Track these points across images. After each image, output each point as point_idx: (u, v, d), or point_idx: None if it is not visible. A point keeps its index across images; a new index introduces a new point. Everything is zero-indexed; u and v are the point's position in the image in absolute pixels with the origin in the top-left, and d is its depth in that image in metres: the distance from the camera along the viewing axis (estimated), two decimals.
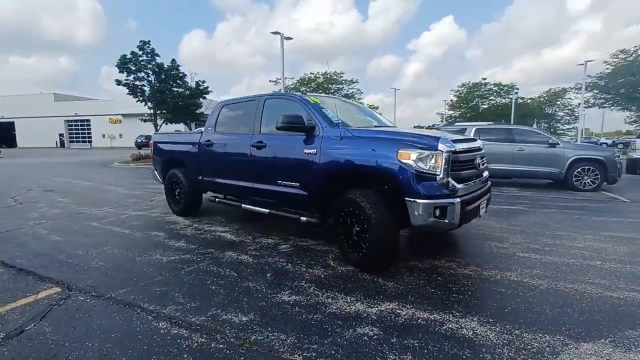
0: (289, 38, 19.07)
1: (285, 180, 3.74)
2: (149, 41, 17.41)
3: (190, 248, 3.86)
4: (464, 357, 1.93)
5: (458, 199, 2.86)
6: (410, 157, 2.82)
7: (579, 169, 7.80)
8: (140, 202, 6.71)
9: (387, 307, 2.51)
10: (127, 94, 17.83)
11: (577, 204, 6.35)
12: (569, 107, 47.23)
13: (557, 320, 2.31)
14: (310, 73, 33.54)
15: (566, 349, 2.00)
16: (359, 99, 34.81)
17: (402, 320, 2.33)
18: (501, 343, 2.06)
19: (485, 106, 47.89)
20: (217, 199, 4.84)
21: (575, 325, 2.24)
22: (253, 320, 2.33)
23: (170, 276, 3.08)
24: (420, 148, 2.84)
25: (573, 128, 47.97)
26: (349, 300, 2.62)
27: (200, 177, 4.92)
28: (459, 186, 2.95)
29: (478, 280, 2.96)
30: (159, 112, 18.33)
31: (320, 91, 32.62)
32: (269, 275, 3.10)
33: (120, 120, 49.81)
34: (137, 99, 17.90)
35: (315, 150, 3.42)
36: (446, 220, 2.81)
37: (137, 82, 17.63)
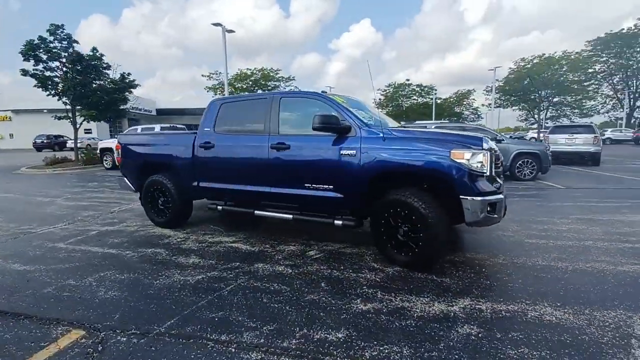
0: (231, 31, 18.10)
1: (315, 183, 3.56)
2: (62, 25, 14.83)
3: (209, 264, 3.43)
4: (567, 341, 2.09)
5: (502, 195, 3.06)
6: (464, 157, 2.93)
7: (520, 162, 8.98)
8: (99, 215, 5.73)
9: (465, 303, 2.57)
10: (35, 86, 14.97)
11: (529, 192, 7.33)
12: (473, 107, 53.61)
13: (606, 297, 2.63)
14: (247, 69, 32.39)
15: (633, 321, 2.30)
16: None
17: (489, 314, 2.42)
18: (584, 323, 2.28)
19: (407, 105, 51.98)
20: (219, 207, 4.38)
21: (623, 299, 2.59)
22: (351, 336, 2.18)
23: (214, 299, 2.70)
24: (471, 147, 2.97)
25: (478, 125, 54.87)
26: (425, 301, 2.61)
27: (195, 184, 4.39)
28: (500, 182, 3.16)
29: (517, 269, 3.21)
30: (78, 108, 15.77)
31: (256, 88, 31.78)
32: (323, 284, 2.93)
33: (10, 118, 41.80)
34: (49, 92, 15.15)
35: (354, 152, 3.32)
36: (495, 216, 2.99)
37: (48, 73, 14.90)
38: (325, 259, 3.50)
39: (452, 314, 2.43)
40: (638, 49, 37.36)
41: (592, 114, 38.52)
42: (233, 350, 2.06)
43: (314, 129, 3.31)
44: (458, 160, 2.93)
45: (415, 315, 2.42)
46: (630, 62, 38.56)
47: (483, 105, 50.04)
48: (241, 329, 2.27)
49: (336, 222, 3.54)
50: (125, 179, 5.15)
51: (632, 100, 42.39)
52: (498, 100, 40.38)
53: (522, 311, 2.45)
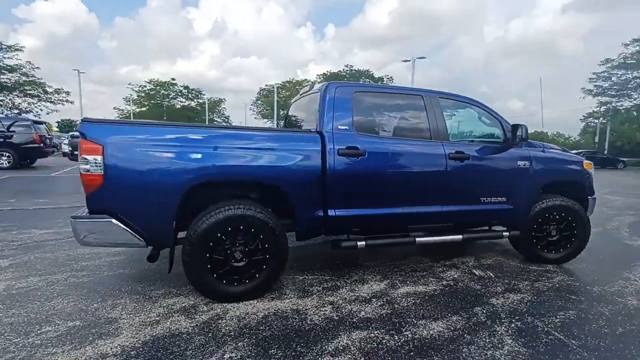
0: None
1: (492, 196, 3.29)
2: None
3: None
4: None
5: None
6: (590, 167, 3.79)
7: None
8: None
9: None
10: None
11: None
12: (225, 115, 56.25)
13: None
14: None
15: None
16: None
17: None
18: None
19: (171, 105, 48.21)
20: (360, 243, 2.89)
21: None
22: None
23: None
24: (586, 159, 3.89)
25: None
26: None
27: (320, 213, 2.72)
28: None
29: None
30: None
31: None
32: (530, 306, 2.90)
33: None
34: None
35: (527, 163, 3.40)
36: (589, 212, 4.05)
37: None
38: (481, 278, 3.34)
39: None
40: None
41: None
42: None
43: (507, 139, 3.13)
44: (588, 170, 3.77)
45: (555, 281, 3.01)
46: None
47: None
48: None
49: (504, 234, 3.45)
50: (116, 223, 2.27)
51: None
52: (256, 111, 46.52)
53: None
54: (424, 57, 26.40)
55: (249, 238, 2.53)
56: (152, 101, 46.88)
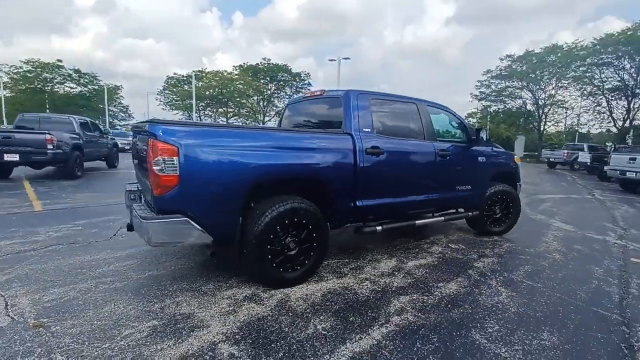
0: None
1: (463, 184, 4.18)
2: None
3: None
4: None
5: None
6: (518, 160, 5.02)
7: None
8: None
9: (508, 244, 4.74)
10: None
11: None
12: (123, 105, 50.57)
13: None
14: None
15: None
16: None
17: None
18: None
19: (58, 91, 41.04)
20: (379, 228, 3.39)
21: None
22: None
23: None
24: None
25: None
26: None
27: (352, 204, 3.17)
28: None
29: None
30: None
31: None
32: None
33: None
34: None
35: (484, 158, 4.39)
36: None
37: None
38: (458, 250, 4.28)
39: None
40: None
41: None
42: None
43: (471, 139, 4.06)
44: (517, 162, 4.98)
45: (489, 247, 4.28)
46: None
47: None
48: None
49: (469, 214, 4.39)
50: (190, 222, 2.32)
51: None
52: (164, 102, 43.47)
53: None
54: (348, 58, 28.16)
55: (300, 229, 2.84)
56: (31, 85, 39.05)
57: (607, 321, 2.54)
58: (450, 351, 2.10)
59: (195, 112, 42.48)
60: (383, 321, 2.40)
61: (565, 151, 20.89)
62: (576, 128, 36.71)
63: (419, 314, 2.53)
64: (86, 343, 2.02)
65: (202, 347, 2.02)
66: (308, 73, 49.13)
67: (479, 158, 4.33)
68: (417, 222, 3.82)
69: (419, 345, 2.14)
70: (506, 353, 2.10)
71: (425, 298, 2.78)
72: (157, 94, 47.07)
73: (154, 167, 2.26)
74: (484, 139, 4.25)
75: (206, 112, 46.34)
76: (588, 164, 16.52)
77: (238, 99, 44.06)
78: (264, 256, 2.66)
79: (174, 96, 46.87)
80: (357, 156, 3.15)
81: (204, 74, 44.22)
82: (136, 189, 3.38)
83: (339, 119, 3.37)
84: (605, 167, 11.65)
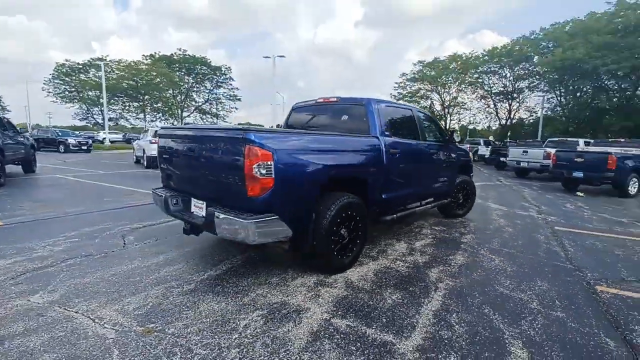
0: None
1: (441, 177, 5.09)
2: None
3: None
4: None
5: None
6: (471, 154, 6.20)
7: None
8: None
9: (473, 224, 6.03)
10: None
11: None
12: None
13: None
14: None
15: None
16: None
17: None
18: None
19: None
20: (395, 216, 4.00)
21: None
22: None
23: None
24: None
25: None
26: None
27: (382, 196, 3.73)
28: None
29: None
30: None
31: None
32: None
33: None
34: None
35: (454, 154, 5.37)
36: None
37: None
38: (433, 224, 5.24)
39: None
40: None
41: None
42: None
43: (446, 139, 4.99)
44: (470, 156, 6.15)
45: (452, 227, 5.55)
46: None
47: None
48: None
49: (444, 201, 5.34)
50: (279, 219, 2.56)
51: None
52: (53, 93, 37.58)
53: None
54: (283, 56, 28.31)
55: (350, 220, 3.29)
56: None
57: (567, 270, 3.61)
58: (492, 301, 2.83)
59: (101, 106, 37.43)
60: (434, 288, 3.03)
61: (468, 145, 24.84)
62: (474, 126, 43.49)
63: (454, 279, 3.24)
64: (215, 337, 2.18)
65: (321, 324, 2.37)
66: (229, 67, 47.62)
67: (452, 154, 5.30)
68: (416, 209, 4.58)
69: (470, 300, 2.83)
70: (526, 297, 2.93)
71: (449, 268, 3.52)
72: (44, 84, 39.96)
73: (253, 171, 2.47)
74: (454, 139, 5.23)
75: (111, 107, 41.02)
76: (486, 156, 20.01)
77: (153, 92, 40.25)
78: (329, 245, 3.05)
79: (66, 87, 40.57)
80: (384, 156, 3.72)
81: (106, 62, 39.04)
82: (174, 194, 3.38)
83: (362, 124, 3.88)
84: (506, 159, 14.44)
